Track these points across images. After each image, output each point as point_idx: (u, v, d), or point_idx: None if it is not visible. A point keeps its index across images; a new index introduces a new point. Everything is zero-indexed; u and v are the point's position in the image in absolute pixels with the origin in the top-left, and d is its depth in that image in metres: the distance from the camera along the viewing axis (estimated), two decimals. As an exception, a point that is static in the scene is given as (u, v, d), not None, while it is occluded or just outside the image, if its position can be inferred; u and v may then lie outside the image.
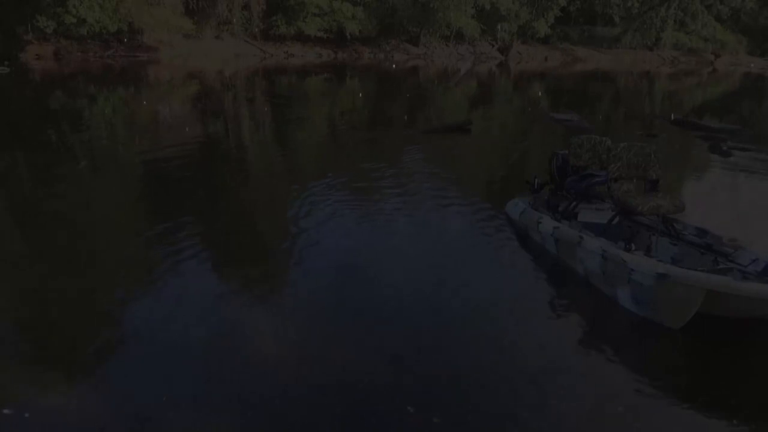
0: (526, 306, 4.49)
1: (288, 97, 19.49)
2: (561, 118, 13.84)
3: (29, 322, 4.08)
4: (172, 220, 6.08)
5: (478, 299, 4.49)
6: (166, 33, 30.24)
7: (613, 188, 5.01)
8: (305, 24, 34.90)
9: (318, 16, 35.09)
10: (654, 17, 43.97)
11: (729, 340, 3.94)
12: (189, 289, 4.57)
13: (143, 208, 6.96)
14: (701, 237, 4.80)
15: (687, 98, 24.14)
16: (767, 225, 6.18)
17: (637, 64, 40.67)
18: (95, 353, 3.71)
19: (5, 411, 3.10)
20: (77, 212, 6.61)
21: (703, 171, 9.74)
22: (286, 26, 34.87)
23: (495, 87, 26.33)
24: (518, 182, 6.52)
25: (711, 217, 5.64)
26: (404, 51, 37.85)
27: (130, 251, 5.38)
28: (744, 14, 48.23)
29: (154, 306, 4.30)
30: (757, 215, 6.65)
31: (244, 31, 34.07)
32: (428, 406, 3.17)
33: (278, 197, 7.41)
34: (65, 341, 3.85)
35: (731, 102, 23.56)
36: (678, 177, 8.62)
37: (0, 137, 10.72)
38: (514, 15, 39.17)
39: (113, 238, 5.76)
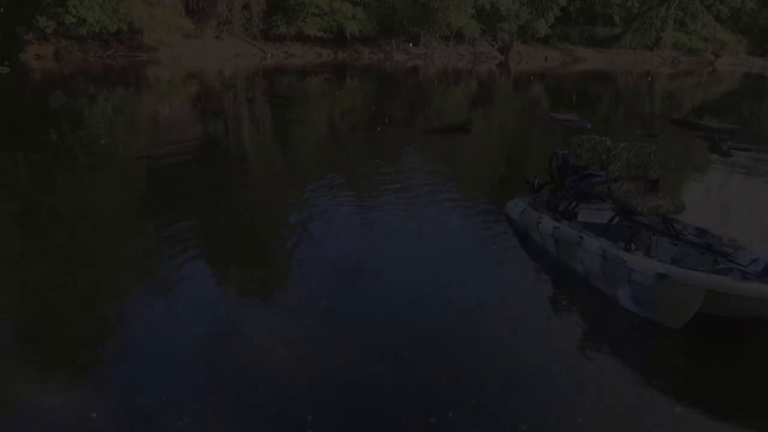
0: (526, 306, 4.49)
1: (288, 97, 19.48)
2: (561, 118, 13.84)
3: (29, 322, 4.09)
4: (173, 220, 6.09)
5: (477, 299, 4.49)
6: (166, 33, 30.22)
7: (613, 188, 5.01)
8: (305, 24, 34.88)
9: (318, 16, 35.07)
10: (654, 17, 43.97)
11: (729, 340, 3.94)
12: (189, 288, 4.57)
13: (143, 207, 6.96)
14: (701, 237, 4.80)
15: (687, 98, 24.15)
16: (767, 225, 6.18)
17: (637, 64, 40.66)
18: (95, 353, 3.71)
19: (5, 411, 3.10)
20: (77, 212, 6.61)
21: (703, 171, 9.73)
22: (286, 26, 34.85)
23: (495, 87, 26.33)
24: (518, 182, 6.52)
25: (711, 217, 5.65)
26: (404, 51, 37.83)
27: (130, 251, 5.38)
28: (744, 14, 48.22)
29: (154, 305, 4.30)
30: (757, 215, 6.65)
31: (244, 31, 34.06)
32: (428, 406, 3.17)
33: (278, 197, 7.41)
34: (65, 341, 3.85)
35: (731, 102, 23.56)
36: (678, 177, 8.61)
37: (0, 137, 10.72)
38: (514, 15, 39.15)
39: (113, 237, 5.76)
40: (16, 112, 14.31)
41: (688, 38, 46.27)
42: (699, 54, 46.15)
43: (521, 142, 12.75)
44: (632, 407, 3.29)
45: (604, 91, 25.92)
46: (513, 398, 3.34)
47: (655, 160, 5.08)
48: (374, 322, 4.14)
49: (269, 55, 33.69)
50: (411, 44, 37.98)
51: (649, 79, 31.16)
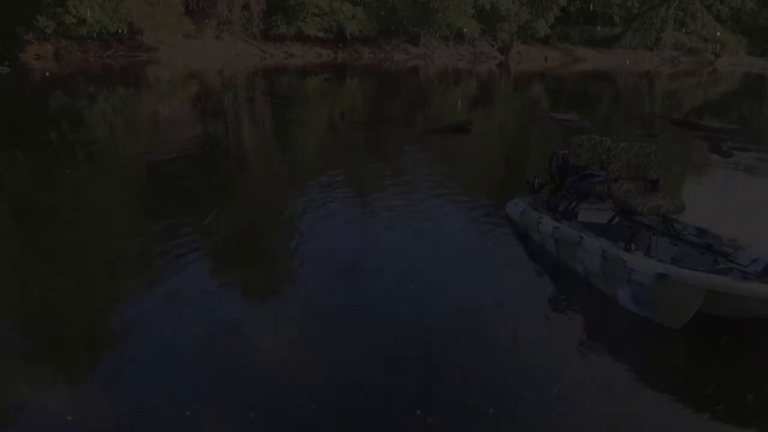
0: (526, 306, 4.48)
1: (288, 97, 19.49)
2: (561, 118, 13.84)
3: (29, 322, 4.08)
4: (173, 220, 6.08)
5: (477, 299, 4.49)
6: (166, 33, 30.21)
7: (613, 188, 5.01)
8: (305, 24, 34.87)
9: (318, 16, 35.06)
10: (654, 17, 43.96)
11: (729, 340, 3.93)
12: (189, 288, 4.56)
13: (143, 207, 6.96)
14: (701, 237, 4.80)
15: (687, 98, 24.15)
16: (767, 225, 6.18)
17: (637, 64, 40.66)
18: (95, 353, 3.71)
19: (5, 411, 3.10)
20: (77, 212, 6.61)
21: (703, 171, 9.74)
22: (286, 26, 34.85)
23: (495, 87, 26.32)
24: (518, 182, 6.51)
25: (711, 217, 5.64)
26: (404, 51, 37.82)
27: (130, 251, 5.38)
28: (744, 14, 48.21)
29: (154, 305, 4.29)
30: (757, 215, 6.64)
31: (244, 31, 34.05)
32: (428, 406, 3.17)
33: (278, 196, 7.41)
34: (65, 341, 3.85)
35: (731, 102, 23.56)
36: (678, 177, 8.62)
37: (0, 137, 10.72)
38: (514, 15, 39.12)
39: (113, 237, 5.76)
40: (16, 112, 14.31)
41: (688, 38, 46.26)
42: (699, 54, 46.14)
43: (521, 142, 12.76)
44: (632, 407, 3.29)
45: (604, 91, 25.92)
46: (513, 398, 3.34)
47: (655, 160, 5.08)
48: (374, 322, 4.14)
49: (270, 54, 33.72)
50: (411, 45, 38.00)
51: (650, 73, 31.13)
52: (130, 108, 16.40)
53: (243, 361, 3.59)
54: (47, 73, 22.99)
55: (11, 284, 4.68)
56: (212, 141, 11.62)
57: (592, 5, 43.35)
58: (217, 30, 33.16)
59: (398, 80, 26.58)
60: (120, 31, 28.67)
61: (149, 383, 3.35)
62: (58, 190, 7.49)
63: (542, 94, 23.35)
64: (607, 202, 5.31)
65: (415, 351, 3.75)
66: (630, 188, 5.01)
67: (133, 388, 3.30)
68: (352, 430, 3.05)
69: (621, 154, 5.04)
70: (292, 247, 5.52)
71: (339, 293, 4.59)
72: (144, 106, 16.67)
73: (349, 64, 32.83)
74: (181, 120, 14.31)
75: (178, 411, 3.10)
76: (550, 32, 42.41)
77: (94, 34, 28.37)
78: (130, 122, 13.98)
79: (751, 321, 3.99)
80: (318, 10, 34.78)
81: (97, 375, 3.51)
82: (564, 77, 31.55)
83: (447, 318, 4.19)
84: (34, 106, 15.49)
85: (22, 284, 4.67)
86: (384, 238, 5.87)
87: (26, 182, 7.87)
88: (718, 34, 45.95)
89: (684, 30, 45.98)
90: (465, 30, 38.03)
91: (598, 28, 45.61)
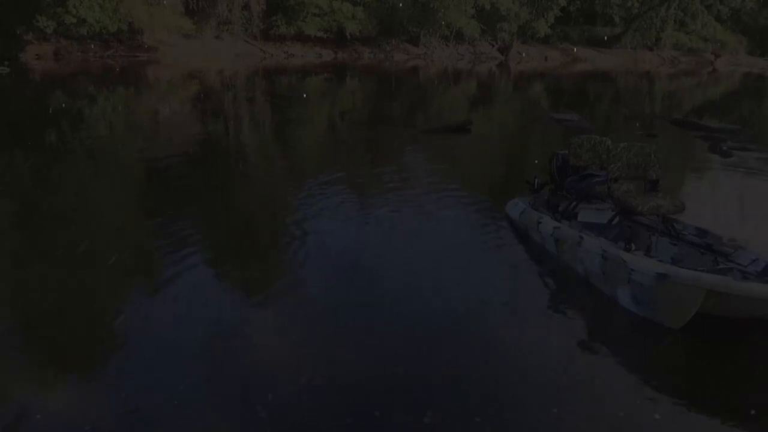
0: (526, 306, 4.49)
1: (288, 97, 19.49)
2: (561, 118, 13.85)
3: (29, 322, 4.09)
4: (173, 220, 6.08)
5: (477, 299, 4.49)
6: (166, 33, 30.22)
7: (613, 188, 5.01)
8: (305, 24, 34.87)
9: (318, 16, 35.06)
10: (654, 17, 43.96)
11: (729, 340, 3.94)
12: (189, 288, 4.56)
13: (143, 207, 6.96)
14: (701, 237, 4.80)
15: (687, 98, 24.15)
16: (767, 225, 6.18)
17: (637, 64, 40.67)
18: (95, 353, 3.72)
19: (5, 411, 3.10)
20: (77, 212, 6.60)
21: (703, 171, 9.73)
22: (286, 26, 34.85)
23: (495, 87, 26.32)
24: (518, 182, 6.52)
25: (711, 217, 5.64)
26: (404, 51, 37.82)
27: (130, 251, 5.37)
28: (744, 14, 48.19)
29: (154, 305, 4.30)
30: (757, 215, 6.65)
31: (244, 31, 34.05)
32: (428, 406, 3.17)
33: (278, 196, 7.41)
34: (65, 341, 3.85)
35: (731, 102, 23.56)
36: (678, 177, 8.62)
37: (0, 137, 10.72)
38: (514, 15, 39.13)
39: (113, 237, 5.76)
40: (16, 112, 14.31)
41: (688, 38, 46.24)
42: (699, 54, 46.12)
43: (521, 142, 12.76)
44: (632, 407, 3.29)
45: (604, 91, 25.92)
46: (512, 398, 3.34)
47: (655, 160, 5.08)
48: (374, 321, 4.14)
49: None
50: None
51: (650, 73, 31.13)
52: (130, 108, 16.40)
53: (243, 361, 3.59)
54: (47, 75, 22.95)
55: (11, 284, 4.69)
56: (212, 141, 11.62)
57: (593, 4, 43.37)
58: (217, 30, 33.17)
59: (398, 80, 26.58)
60: (120, 29, 28.66)
61: (149, 383, 3.34)
62: (58, 190, 7.49)
63: (542, 94, 23.34)
64: (607, 202, 5.31)
65: (415, 351, 3.75)
66: (630, 188, 5.02)
67: (133, 388, 3.30)
68: (352, 430, 3.05)
69: (621, 154, 5.04)
70: (293, 247, 5.52)
71: (339, 293, 4.60)
72: (144, 106, 16.67)
73: (349, 64, 32.83)
74: (181, 120, 14.32)
75: (178, 411, 3.11)
76: (550, 32, 42.40)
77: (94, 34, 28.37)
78: (130, 122, 13.98)
79: (751, 321, 3.99)
80: (318, 10, 34.78)
81: (97, 375, 3.51)
82: (564, 77, 31.55)
83: (447, 318, 4.19)
84: (34, 106, 15.49)
85: (22, 284, 4.66)
86: (384, 238, 5.88)
87: (26, 182, 7.87)
88: (718, 34, 45.95)
89: (684, 30, 45.97)
90: (464, 30, 38.03)
91: (598, 28, 45.59)
